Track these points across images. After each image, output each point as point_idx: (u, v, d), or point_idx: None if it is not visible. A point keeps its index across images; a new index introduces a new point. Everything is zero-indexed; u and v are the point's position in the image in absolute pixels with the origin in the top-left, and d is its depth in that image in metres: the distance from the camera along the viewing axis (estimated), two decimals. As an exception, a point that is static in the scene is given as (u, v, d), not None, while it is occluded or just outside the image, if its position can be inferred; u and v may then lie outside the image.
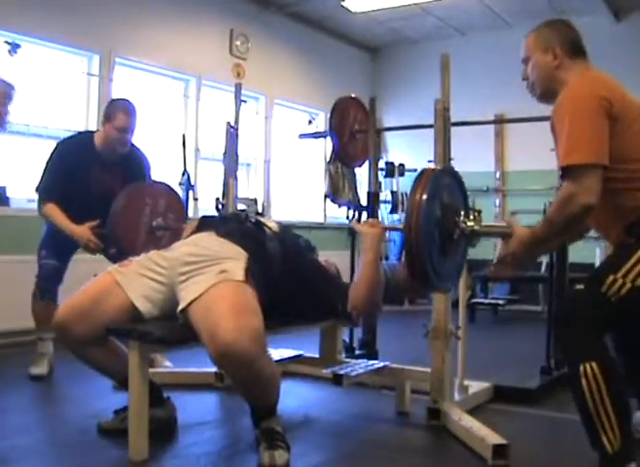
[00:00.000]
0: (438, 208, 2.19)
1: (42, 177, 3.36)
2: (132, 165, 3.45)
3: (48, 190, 3.33)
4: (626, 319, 1.97)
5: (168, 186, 3.44)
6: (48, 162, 3.37)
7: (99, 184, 3.35)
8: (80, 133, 3.84)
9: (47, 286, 3.36)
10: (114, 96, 5.01)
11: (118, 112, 3.33)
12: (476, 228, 2.21)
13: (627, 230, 1.94)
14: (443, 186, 2.25)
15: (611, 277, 1.86)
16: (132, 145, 3.48)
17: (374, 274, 2.49)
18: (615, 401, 1.80)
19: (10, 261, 4.22)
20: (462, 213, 2.25)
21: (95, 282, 2.34)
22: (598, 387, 1.80)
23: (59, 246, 3.39)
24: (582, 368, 1.81)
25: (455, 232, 2.22)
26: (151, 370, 2.51)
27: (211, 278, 2.13)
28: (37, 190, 3.37)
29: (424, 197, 2.12)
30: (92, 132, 3.55)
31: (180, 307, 2.14)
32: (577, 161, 1.84)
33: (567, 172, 1.86)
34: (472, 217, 2.22)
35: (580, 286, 1.95)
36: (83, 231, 3.26)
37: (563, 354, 1.92)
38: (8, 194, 4.40)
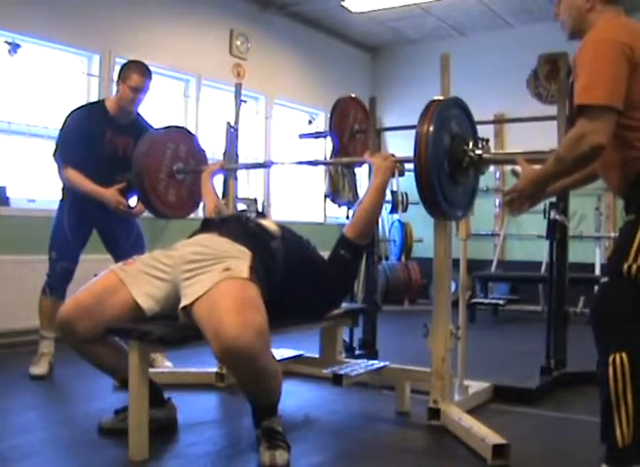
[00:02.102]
0: (446, 137, 2.26)
1: (58, 143, 3.44)
2: (143, 128, 3.51)
3: (67, 155, 3.39)
4: None
5: (189, 131, 3.51)
6: (62, 129, 3.45)
7: (113, 146, 3.43)
8: (91, 102, 3.93)
9: (57, 285, 3.43)
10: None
11: (132, 72, 3.41)
12: (484, 155, 2.34)
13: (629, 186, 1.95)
14: (450, 116, 2.33)
15: (625, 266, 1.87)
16: (139, 114, 3.56)
17: (379, 199, 2.71)
18: (637, 396, 1.81)
19: (10, 261, 4.22)
20: (470, 142, 2.32)
21: (99, 280, 2.35)
22: (624, 378, 1.81)
23: (69, 244, 3.44)
24: (611, 357, 1.83)
25: (464, 160, 2.34)
26: (151, 370, 2.51)
27: (215, 276, 2.13)
28: (54, 156, 3.43)
29: (431, 127, 2.23)
30: (102, 100, 3.63)
31: (183, 304, 2.15)
32: (592, 100, 1.85)
33: (581, 111, 1.87)
34: (480, 145, 2.30)
35: (604, 279, 1.96)
36: (112, 193, 3.34)
37: (597, 344, 1.92)
38: (8, 194, 4.40)
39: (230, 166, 3.29)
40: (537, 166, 2.06)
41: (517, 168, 2.19)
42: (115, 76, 5.01)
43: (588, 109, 1.85)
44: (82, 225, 3.49)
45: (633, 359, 1.82)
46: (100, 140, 3.40)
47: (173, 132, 3.40)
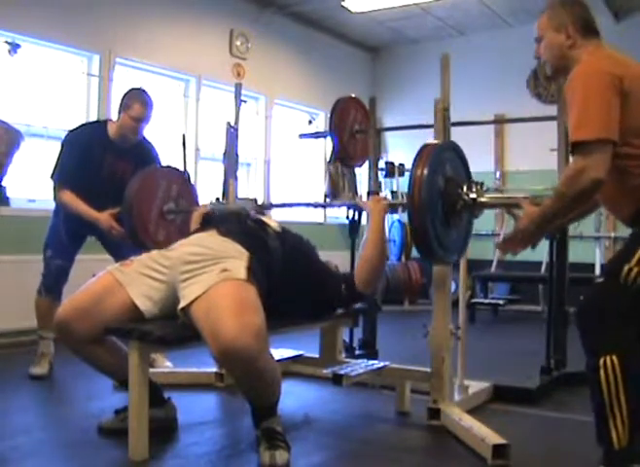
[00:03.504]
0: (440, 181, 2.24)
1: (56, 164, 3.41)
2: (143, 154, 3.50)
3: (63, 177, 3.37)
4: None
5: (181, 171, 3.48)
6: (61, 150, 3.42)
7: (111, 171, 3.40)
8: (92, 122, 3.90)
9: (52, 285, 3.40)
10: (114, 96, 5.02)
11: (134, 102, 3.38)
12: (478, 198, 2.29)
13: (636, 215, 1.95)
14: (444, 159, 2.31)
15: (626, 267, 1.87)
16: (143, 137, 3.54)
17: (381, 245, 2.62)
18: (630, 397, 1.81)
19: (10, 261, 4.22)
20: (464, 185, 2.30)
21: (96, 281, 2.34)
22: (616, 381, 1.80)
23: (65, 245, 3.43)
24: (602, 360, 1.82)
25: (458, 203, 2.30)
26: (151, 370, 2.51)
27: (213, 277, 2.13)
28: (52, 177, 3.41)
29: (425, 170, 2.19)
30: (105, 121, 3.60)
31: (181, 305, 2.15)
32: (586, 136, 1.85)
33: (577, 147, 1.87)
34: (474, 189, 2.28)
35: (599, 279, 1.96)
36: (106, 218, 3.31)
37: (585, 347, 1.92)
38: (8, 194, 4.39)
39: (218, 208, 3.19)
40: (535, 208, 2.05)
41: (516, 212, 2.18)
42: (114, 76, 5.05)
43: (584, 145, 1.85)
44: (78, 231, 3.47)
45: (624, 361, 1.81)
46: (99, 164, 3.37)
47: (165, 171, 3.39)
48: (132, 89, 3.51)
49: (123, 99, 3.44)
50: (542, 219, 2.02)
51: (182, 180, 3.41)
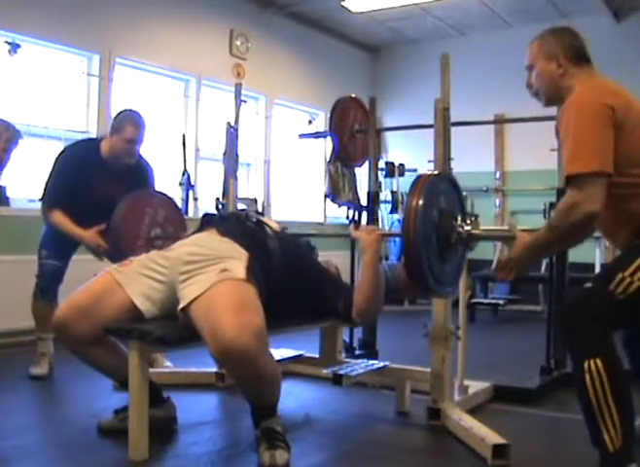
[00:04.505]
0: (435, 213, 2.21)
1: (47, 184, 3.37)
2: (136, 175, 3.45)
3: (53, 197, 3.34)
4: (633, 317, 1.97)
5: (168, 197, 3.46)
6: (53, 169, 3.38)
7: (101, 191, 3.34)
8: (86, 140, 3.83)
9: (47, 286, 3.37)
10: (114, 96, 5.03)
11: (126, 124, 3.34)
12: (473, 231, 2.24)
13: (637, 233, 1.95)
14: (439, 191, 2.27)
15: (619, 275, 1.86)
16: (140, 156, 3.49)
17: (376, 279, 2.56)
18: (618, 399, 1.80)
19: (10, 261, 4.22)
20: (459, 217, 2.27)
21: (95, 281, 2.34)
22: (602, 384, 1.80)
23: (60, 246, 3.40)
24: (586, 364, 1.81)
25: (453, 236, 2.24)
26: (151, 370, 2.51)
27: (212, 277, 2.13)
28: (42, 197, 3.37)
29: (420, 202, 2.14)
30: (99, 140, 3.55)
31: (181, 306, 2.14)
32: (581, 169, 1.85)
33: (571, 180, 1.87)
34: (469, 221, 2.24)
35: (588, 284, 1.95)
36: (91, 236, 3.28)
37: (569, 350, 1.92)
38: (8, 194, 4.39)
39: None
40: (529, 238, 2.04)
41: (511, 230, 2.16)
42: (114, 76, 5.05)
43: (578, 177, 1.85)
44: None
45: (608, 364, 1.81)
46: (89, 184, 3.33)
47: (152, 196, 3.37)
48: (123, 110, 3.49)
49: (114, 121, 3.41)
50: (535, 249, 2.02)
51: (169, 205, 3.40)
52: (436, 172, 2.51)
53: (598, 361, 1.80)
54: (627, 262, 1.89)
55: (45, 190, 3.37)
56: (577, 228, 1.89)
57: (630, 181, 1.92)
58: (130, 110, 3.48)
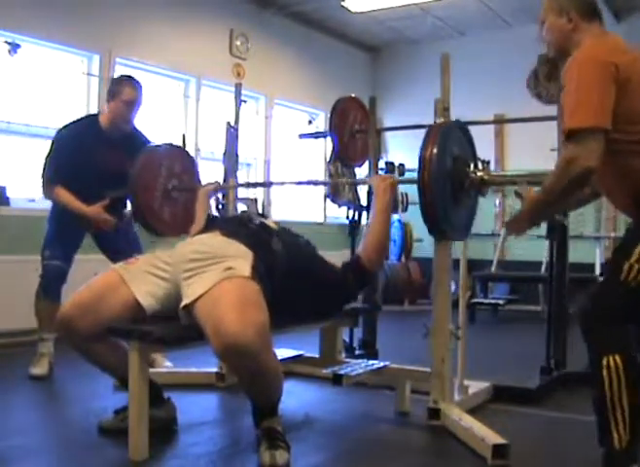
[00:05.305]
0: (448, 160, 2.31)
1: (47, 160, 3.37)
2: (137, 144, 3.44)
3: (54, 173, 3.34)
4: None
5: (184, 149, 3.49)
6: (52, 146, 3.39)
7: (105, 163, 3.35)
8: (83, 116, 3.82)
9: (51, 286, 3.37)
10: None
11: (124, 86, 3.36)
12: (485, 177, 2.43)
13: (636, 201, 1.95)
14: (452, 139, 2.40)
15: (626, 265, 1.87)
16: (134, 127, 3.51)
17: (388, 225, 2.68)
18: (631, 398, 1.81)
19: (10, 261, 4.22)
20: (472, 164, 2.46)
21: (100, 278, 2.35)
22: (619, 381, 1.81)
23: (63, 246, 3.41)
24: (605, 360, 1.83)
25: (466, 181, 2.43)
26: (151, 370, 2.51)
27: (217, 275, 2.13)
28: (43, 174, 3.37)
29: (435, 150, 2.32)
30: (97, 114, 3.58)
31: (184, 303, 2.14)
32: (579, 124, 1.86)
33: (570, 135, 1.88)
34: (481, 167, 2.38)
35: (601, 279, 1.98)
36: (94, 209, 3.30)
37: (587, 346, 1.92)
38: (8, 194, 4.40)
39: (227, 186, 3.28)
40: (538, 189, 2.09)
41: (520, 190, 2.21)
42: (114, 76, 5.04)
43: (576, 132, 1.86)
44: (73, 226, 3.44)
45: (626, 361, 1.82)
46: (92, 156, 3.34)
47: (169, 150, 3.38)
48: (118, 76, 3.51)
49: (110, 87, 3.43)
50: (539, 204, 2.06)
51: (184, 157, 3.41)
52: (449, 120, 2.65)
53: (617, 357, 1.82)
54: (629, 249, 1.90)
55: (44, 167, 3.37)
56: (574, 182, 1.90)
57: (631, 138, 1.92)
58: (125, 75, 3.51)
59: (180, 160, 3.35)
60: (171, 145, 3.46)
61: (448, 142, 2.41)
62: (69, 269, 3.43)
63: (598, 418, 1.87)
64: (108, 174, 3.32)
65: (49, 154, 3.38)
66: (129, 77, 3.46)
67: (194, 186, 3.26)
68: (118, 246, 3.42)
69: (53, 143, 3.40)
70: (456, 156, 2.43)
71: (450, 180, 2.40)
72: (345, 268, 2.64)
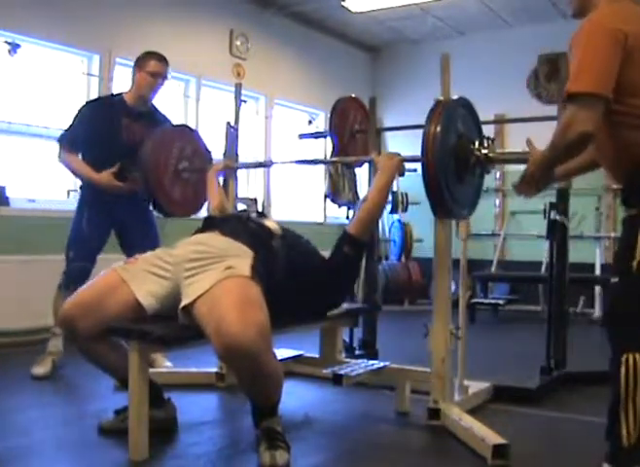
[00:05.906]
0: (453, 137, 2.33)
1: (69, 127, 3.44)
2: (159, 117, 3.54)
3: (72, 140, 3.41)
4: None
5: (195, 131, 3.51)
6: (76, 115, 3.45)
7: (130, 133, 3.41)
8: (106, 95, 3.94)
9: (72, 284, 3.36)
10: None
11: (150, 59, 3.45)
12: (490, 154, 2.42)
13: (629, 181, 1.95)
14: (456, 116, 2.40)
15: (634, 264, 1.88)
16: (154, 107, 3.58)
17: (385, 201, 2.75)
18: None
19: (10, 261, 4.22)
20: (476, 141, 2.44)
21: (101, 278, 2.36)
22: (635, 378, 1.82)
23: (86, 246, 3.42)
24: (624, 357, 1.84)
25: (471, 159, 2.43)
26: (151, 370, 2.51)
27: (217, 274, 2.13)
28: (60, 139, 3.44)
29: (438, 127, 2.32)
30: (119, 93, 3.62)
31: (184, 303, 2.14)
32: (580, 88, 1.86)
33: (571, 98, 1.88)
34: (486, 145, 2.37)
35: (614, 279, 1.97)
36: (104, 176, 3.34)
37: (610, 343, 1.94)
38: (8, 194, 4.40)
39: (235, 165, 3.30)
40: (539, 154, 2.09)
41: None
42: (114, 76, 5.05)
43: (577, 97, 1.86)
44: (101, 224, 3.45)
45: None
46: (117, 128, 3.40)
47: (180, 131, 3.41)
48: (146, 51, 3.56)
49: (136, 61, 3.50)
50: (541, 166, 2.06)
51: (196, 140, 3.42)
52: (454, 98, 2.63)
53: (637, 355, 1.83)
54: (631, 247, 1.90)
55: (65, 131, 3.45)
56: (571, 147, 1.90)
57: (633, 111, 1.91)
58: (152, 51, 3.56)
59: (191, 141, 3.37)
60: (183, 126, 3.50)
61: (453, 119, 2.41)
62: (93, 267, 3.41)
63: (610, 413, 1.89)
64: (133, 146, 3.33)
65: (72, 120, 3.44)
66: (156, 52, 3.52)
67: (203, 167, 3.27)
68: (137, 249, 3.42)
69: (78, 112, 3.46)
70: (461, 133, 2.43)
71: (455, 157, 2.39)
72: (340, 243, 2.62)
